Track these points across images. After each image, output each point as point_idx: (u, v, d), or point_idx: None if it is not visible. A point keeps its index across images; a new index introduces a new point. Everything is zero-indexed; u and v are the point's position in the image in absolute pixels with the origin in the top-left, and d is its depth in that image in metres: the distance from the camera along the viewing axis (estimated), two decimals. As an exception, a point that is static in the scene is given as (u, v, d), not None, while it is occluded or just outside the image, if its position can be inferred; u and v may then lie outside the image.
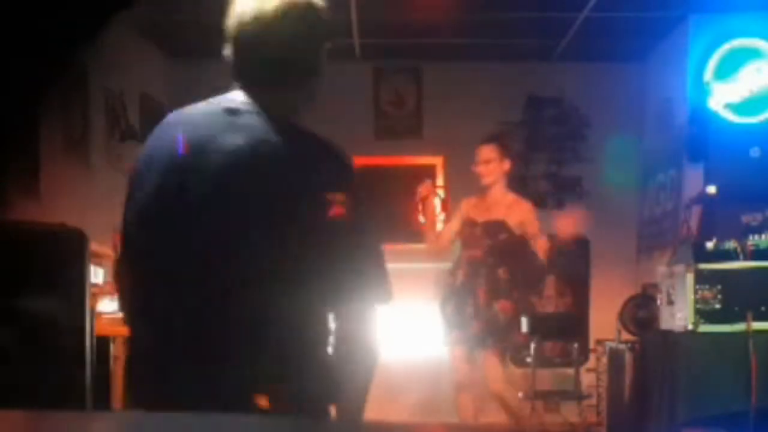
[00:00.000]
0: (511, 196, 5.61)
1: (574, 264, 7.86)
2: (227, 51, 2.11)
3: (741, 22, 6.50)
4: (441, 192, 7.74)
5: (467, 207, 5.63)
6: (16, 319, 3.31)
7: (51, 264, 3.50)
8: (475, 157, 5.53)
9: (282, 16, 2.04)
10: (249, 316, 1.90)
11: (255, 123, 1.99)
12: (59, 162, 5.69)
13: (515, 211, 5.54)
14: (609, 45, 7.38)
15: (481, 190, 5.57)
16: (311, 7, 2.10)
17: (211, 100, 2.10)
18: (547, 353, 7.51)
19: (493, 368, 5.45)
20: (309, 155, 2.00)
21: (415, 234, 7.73)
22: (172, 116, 2.13)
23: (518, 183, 7.80)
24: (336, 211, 1.95)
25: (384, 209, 7.86)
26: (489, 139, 5.60)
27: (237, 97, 2.07)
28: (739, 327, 4.41)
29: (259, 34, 2.05)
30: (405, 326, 7.38)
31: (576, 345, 7.14)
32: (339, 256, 1.95)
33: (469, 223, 5.54)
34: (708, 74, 6.52)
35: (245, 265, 1.90)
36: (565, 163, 7.79)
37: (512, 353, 5.84)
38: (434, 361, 7.31)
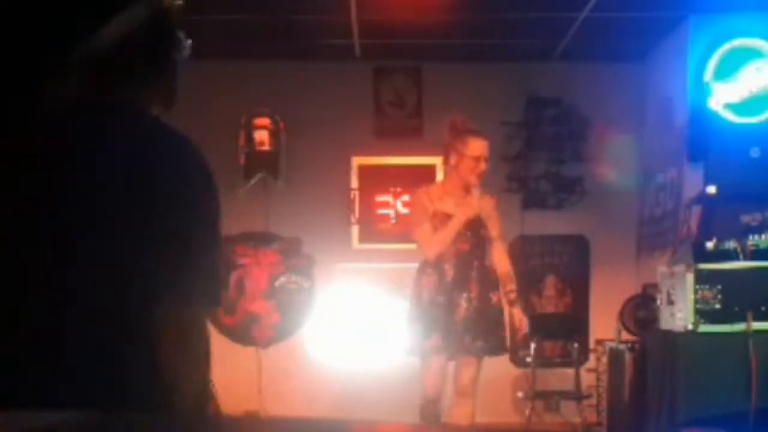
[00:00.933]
0: (477, 190, 5.13)
1: (574, 264, 7.86)
2: None
3: (741, 22, 6.50)
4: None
5: (429, 199, 5.14)
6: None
7: None
8: (478, 152, 5.11)
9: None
10: (81, 313, 1.86)
11: (104, 121, 1.95)
12: (59, 162, 5.69)
13: (484, 206, 5.12)
14: (609, 45, 7.38)
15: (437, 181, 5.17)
16: None
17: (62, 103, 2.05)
18: (547, 353, 7.51)
19: (471, 375, 5.14)
20: (158, 150, 1.95)
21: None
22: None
23: (518, 183, 7.82)
24: (181, 206, 1.91)
25: (384, 209, 7.87)
26: (480, 134, 5.27)
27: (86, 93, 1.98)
28: (739, 327, 4.41)
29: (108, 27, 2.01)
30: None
31: (576, 345, 7.14)
32: (179, 252, 1.87)
33: (445, 218, 5.07)
34: (708, 74, 6.52)
35: (83, 259, 1.86)
36: (565, 163, 7.79)
37: (503, 352, 5.34)
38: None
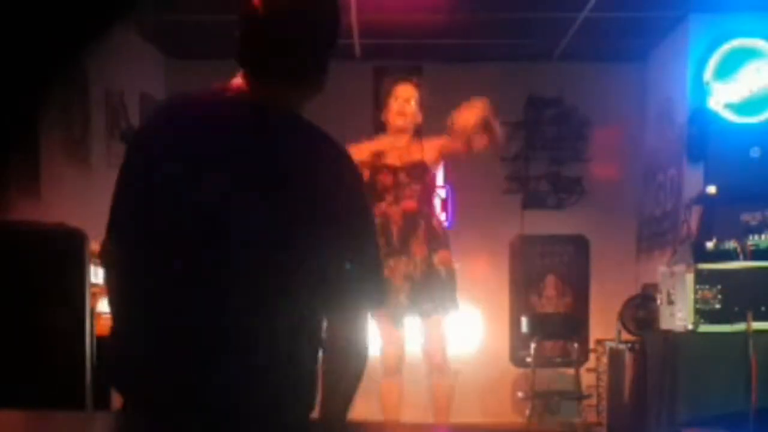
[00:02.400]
0: (419, 140, 4.90)
1: (574, 264, 7.86)
2: (239, 37, 2.04)
3: (741, 22, 6.50)
4: (442, 192, 7.75)
5: (366, 154, 4.83)
6: (15, 319, 3.31)
7: (51, 264, 3.49)
8: (401, 94, 4.90)
9: (302, 8, 2.00)
10: (243, 322, 1.86)
11: (266, 118, 1.95)
12: (59, 162, 5.69)
13: (430, 148, 4.89)
14: (609, 45, 7.38)
15: (379, 134, 4.96)
16: (329, 2, 2.07)
17: (214, 89, 2.05)
18: (547, 353, 7.50)
19: (440, 338, 4.92)
20: (319, 155, 1.95)
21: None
22: (178, 103, 2.06)
23: (518, 183, 7.82)
24: (340, 212, 1.91)
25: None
26: (403, 78, 5.07)
27: (244, 88, 2.00)
28: (739, 327, 4.41)
29: (279, 24, 1.99)
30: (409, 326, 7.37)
31: (576, 345, 7.13)
32: (338, 260, 1.90)
33: (388, 170, 4.82)
34: (708, 74, 6.52)
35: (250, 267, 1.86)
36: (565, 163, 7.78)
37: (453, 310, 5.00)
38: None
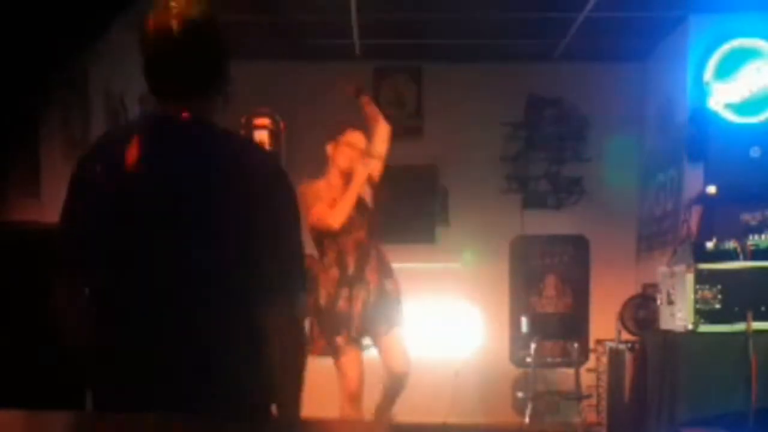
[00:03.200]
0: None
1: (574, 264, 7.86)
2: (143, 67, 2.17)
3: (741, 22, 6.50)
4: (441, 192, 7.75)
5: (318, 193, 5.18)
6: (15, 319, 3.31)
7: (51, 264, 3.49)
8: (340, 137, 5.28)
9: (191, 31, 2.10)
10: (186, 325, 1.91)
11: (191, 133, 2.05)
12: (59, 162, 5.69)
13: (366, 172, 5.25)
14: (609, 45, 7.38)
15: (319, 174, 5.28)
16: (211, 19, 2.17)
17: (136, 119, 2.20)
18: (547, 353, 7.50)
19: (404, 350, 5.18)
20: (243, 159, 2.05)
21: (416, 233, 7.74)
22: (104, 138, 2.23)
23: (518, 183, 7.82)
24: (269, 211, 1.99)
25: (383, 209, 7.86)
26: (358, 130, 5.38)
27: (164, 113, 2.13)
28: (739, 327, 4.41)
29: (174, 50, 2.10)
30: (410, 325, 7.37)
31: (576, 345, 7.14)
32: (268, 255, 1.99)
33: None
34: (708, 74, 6.52)
35: (185, 274, 1.92)
36: (565, 163, 7.79)
37: (398, 324, 5.25)
38: (439, 359, 7.32)
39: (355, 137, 5.28)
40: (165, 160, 2.00)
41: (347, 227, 5.09)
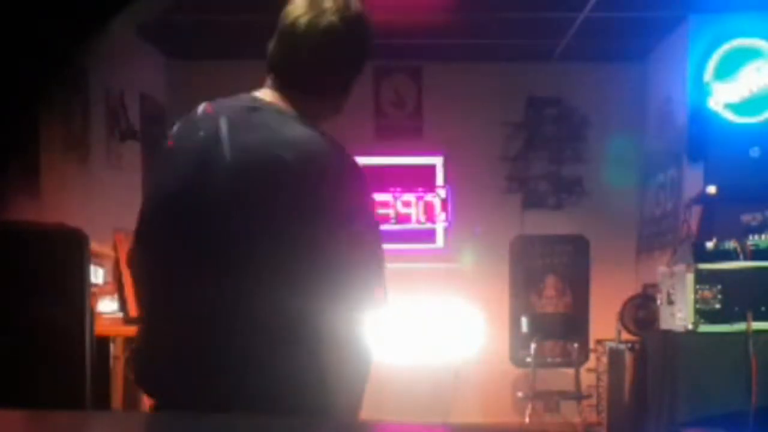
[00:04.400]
0: None
1: (574, 264, 7.86)
2: (271, 44, 2.12)
3: (741, 22, 6.50)
4: (441, 192, 7.75)
5: None
6: (15, 319, 3.31)
7: (51, 264, 3.49)
8: None
9: (336, 28, 2.05)
10: (248, 320, 1.89)
11: (272, 121, 2.01)
12: (59, 162, 5.69)
13: None
14: (609, 45, 7.38)
15: None
16: (364, 26, 2.12)
17: (241, 95, 2.11)
18: (547, 353, 7.51)
19: None
20: (324, 158, 2.00)
21: (417, 234, 7.75)
22: (206, 107, 2.12)
23: (518, 183, 7.82)
24: (344, 217, 1.95)
25: (384, 209, 7.87)
26: None
27: (265, 96, 2.10)
28: (739, 327, 4.41)
29: (310, 40, 2.06)
30: (410, 325, 7.38)
31: (576, 345, 7.14)
32: (340, 261, 1.94)
33: None
34: (708, 74, 6.51)
35: (250, 267, 1.89)
36: (565, 163, 7.79)
37: None
38: (442, 360, 7.32)
39: None
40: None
41: None
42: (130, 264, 2.13)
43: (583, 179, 7.76)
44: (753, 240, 4.66)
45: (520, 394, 7.23)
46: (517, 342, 7.53)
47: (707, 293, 4.48)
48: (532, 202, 7.80)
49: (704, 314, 4.47)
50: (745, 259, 4.57)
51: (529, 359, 7.00)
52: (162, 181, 2.04)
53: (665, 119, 7.19)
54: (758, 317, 4.40)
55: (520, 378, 7.51)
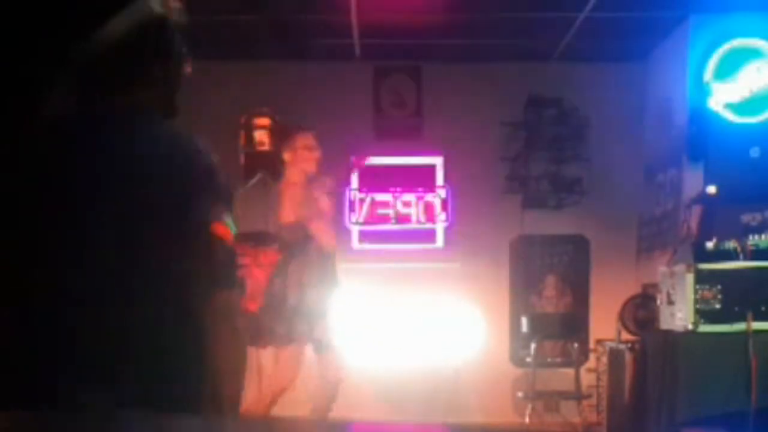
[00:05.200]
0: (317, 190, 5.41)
1: (574, 264, 7.86)
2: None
3: (741, 22, 6.50)
4: (441, 192, 7.75)
5: (295, 197, 5.38)
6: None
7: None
8: (294, 143, 5.36)
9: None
10: (111, 327, 1.86)
11: (112, 131, 1.98)
12: (59, 162, 5.69)
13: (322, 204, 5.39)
14: (609, 45, 7.38)
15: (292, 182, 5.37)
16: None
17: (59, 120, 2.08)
18: (547, 353, 7.51)
19: (293, 365, 5.24)
20: (169, 155, 1.95)
21: (417, 234, 7.74)
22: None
23: (518, 183, 7.82)
24: (200, 212, 1.94)
25: (384, 209, 7.87)
26: (307, 128, 5.49)
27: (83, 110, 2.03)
28: (739, 327, 4.41)
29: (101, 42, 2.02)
30: (409, 326, 7.38)
31: (576, 345, 7.14)
32: (197, 253, 1.93)
33: None
34: (708, 74, 6.52)
35: (107, 274, 1.87)
36: (565, 163, 7.78)
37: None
38: (439, 359, 7.32)
39: (308, 139, 5.38)
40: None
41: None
42: None
43: (583, 179, 7.76)
44: (753, 240, 4.66)
45: (520, 394, 7.22)
46: (517, 342, 7.53)
47: (707, 293, 4.48)
48: (532, 202, 7.80)
49: (704, 314, 4.47)
50: (745, 259, 4.58)
51: (529, 359, 7.00)
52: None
53: (665, 119, 7.19)
54: (758, 317, 4.41)
55: (520, 378, 7.51)
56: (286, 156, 5.37)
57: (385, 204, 7.71)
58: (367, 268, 7.51)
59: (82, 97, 2.00)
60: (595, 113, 7.74)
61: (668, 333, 4.75)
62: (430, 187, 7.76)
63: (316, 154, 5.35)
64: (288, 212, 5.27)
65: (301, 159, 5.33)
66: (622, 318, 6.48)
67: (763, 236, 4.69)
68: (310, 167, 5.33)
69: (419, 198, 7.74)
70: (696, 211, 6.04)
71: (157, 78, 2.04)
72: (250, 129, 7.42)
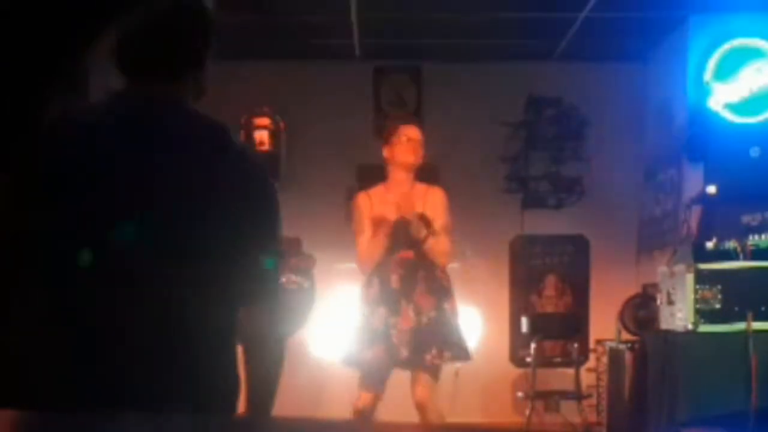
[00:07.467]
0: (421, 185, 4.98)
1: (574, 264, 7.86)
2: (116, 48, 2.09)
3: (741, 22, 6.50)
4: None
5: (369, 203, 4.92)
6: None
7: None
8: (396, 136, 4.95)
9: (171, 12, 2.04)
10: (163, 317, 1.84)
11: (164, 118, 1.98)
12: (59, 162, 5.69)
13: (430, 201, 4.95)
14: (609, 45, 7.38)
15: (385, 180, 4.99)
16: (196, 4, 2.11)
17: (107, 100, 2.09)
18: (547, 353, 7.50)
19: (424, 391, 4.77)
20: (221, 145, 1.99)
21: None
22: (69, 124, 2.09)
23: (518, 183, 7.82)
24: (249, 205, 1.94)
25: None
26: (410, 120, 5.25)
27: (133, 94, 2.06)
28: (739, 327, 4.42)
29: (150, 28, 2.03)
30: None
31: (576, 345, 7.13)
32: (253, 253, 1.94)
33: (382, 222, 4.84)
34: (708, 74, 6.52)
35: (168, 264, 1.85)
36: (565, 163, 7.78)
37: (465, 359, 4.94)
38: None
39: (412, 131, 5.04)
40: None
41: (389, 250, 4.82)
42: None
43: (583, 179, 7.76)
44: (753, 240, 4.66)
45: (520, 394, 7.22)
46: (517, 342, 7.53)
47: (707, 293, 4.48)
48: (532, 202, 7.80)
49: (704, 314, 4.48)
50: (745, 259, 4.58)
51: (529, 359, 7.00)
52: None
53: (665, 119, 7.19)
54: (758, 317, 4.41)
55: (520, 378, 7.51)
56: (385, 151, 4.99)
57: (385, 204, 7.70)
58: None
59: (136, 79, 2.03)
60: (595, 113, 7.74)
61: (668, 333, 4.75)
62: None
63: (418, 145, 4.98)
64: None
65: (402, 151, 4.94)
66: (622, 318, 6.48)
67: (763, 236, 4.69)
68: (411, 159, 4.93)
69: (419, 198, 7.71)
70: (696, 211, 6.04)
71: (204, 71, 2.10)
72: (249, 129, 7.42)
